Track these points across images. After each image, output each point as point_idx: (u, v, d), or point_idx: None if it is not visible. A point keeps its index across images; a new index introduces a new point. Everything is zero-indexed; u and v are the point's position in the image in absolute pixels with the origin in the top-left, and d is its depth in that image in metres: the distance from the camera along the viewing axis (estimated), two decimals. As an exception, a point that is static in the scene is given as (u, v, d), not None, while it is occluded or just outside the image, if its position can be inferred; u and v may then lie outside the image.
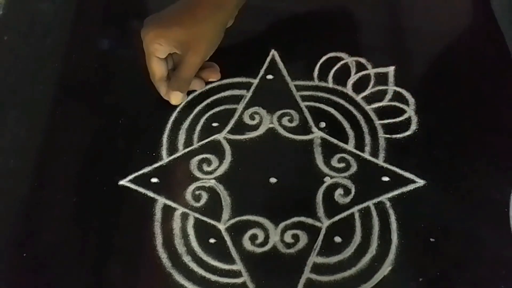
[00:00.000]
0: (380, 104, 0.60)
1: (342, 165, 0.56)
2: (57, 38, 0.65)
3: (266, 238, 0.52)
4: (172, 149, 0.58)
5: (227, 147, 0.58)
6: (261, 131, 0.59)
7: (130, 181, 0.56)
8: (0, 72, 0.63)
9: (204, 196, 0.55)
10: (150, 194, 0.55)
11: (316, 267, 0.51)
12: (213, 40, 0.58)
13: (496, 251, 0.51)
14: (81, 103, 0.61)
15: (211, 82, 0.62)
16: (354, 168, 0.56)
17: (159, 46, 0.57)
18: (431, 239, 0.52)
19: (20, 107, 0.61)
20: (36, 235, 0.53)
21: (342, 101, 0.60)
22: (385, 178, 0.55)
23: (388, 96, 0.61)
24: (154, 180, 0.56)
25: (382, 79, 0.62)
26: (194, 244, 0.52)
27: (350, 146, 0.58)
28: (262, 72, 0.62)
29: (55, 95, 0.61)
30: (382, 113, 0.59)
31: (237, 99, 0.61)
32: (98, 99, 0.61)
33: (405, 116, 0.59)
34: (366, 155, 0.57)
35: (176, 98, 0.59)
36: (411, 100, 0.60)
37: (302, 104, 0.60)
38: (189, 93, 0.61)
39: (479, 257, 0.51)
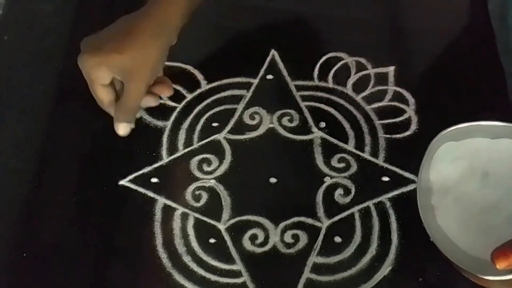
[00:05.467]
0: (380, 104, 0.60)
1: (342, 165, 0.56)
2: (57, 38, 0.65)
3: (266, 238, 0.52)
4: (172, 149, 0.58)
5: (227, 147, 0.58)
6: (261, 131, 0.59)
7: (130, 181, 0.56)
8: (0, 72, 0.63)
9: (204, 196, 0.55)
10: (150, 194, 0.55)
11: (316, 267, 0.51)
12: (157, 65, 0.54)
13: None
14: (81, 103, 0.61)
15: (211, 82, 0.62)
16: (354, 168, 0.56)
17: (100, 74, 0.52)
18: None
19: (20, 107, 0.61)
20: (36, 235, 0.53)
21: (342, 101, 0.60)
22: (385, 178, 0.55)
23: (388, 96, 0.61)
24: (154, 180, 0.56)
25: (382, 79, 0.62)
26: (194, 244, 0.52)
27: (350, 146, 0.57)
28: (262, 72, 0.62)
29: (55, 95, 0.61)
30: (382, 113, 0.59)
31: (237, 99, 0.61)
32: (98, 99, 0.61)
33: (405, 116, 0.59)
34: (366, 155, 0.57)
35: (124, 129, 0.54)
36: (411, 100, 0.60)
37: (302, 104, 0.60)
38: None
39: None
